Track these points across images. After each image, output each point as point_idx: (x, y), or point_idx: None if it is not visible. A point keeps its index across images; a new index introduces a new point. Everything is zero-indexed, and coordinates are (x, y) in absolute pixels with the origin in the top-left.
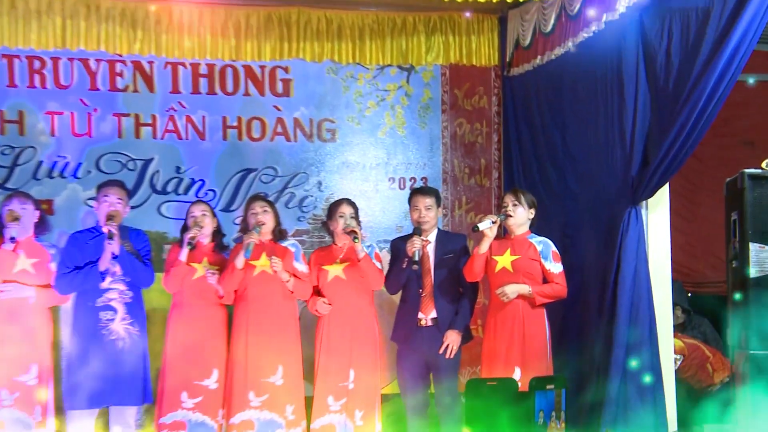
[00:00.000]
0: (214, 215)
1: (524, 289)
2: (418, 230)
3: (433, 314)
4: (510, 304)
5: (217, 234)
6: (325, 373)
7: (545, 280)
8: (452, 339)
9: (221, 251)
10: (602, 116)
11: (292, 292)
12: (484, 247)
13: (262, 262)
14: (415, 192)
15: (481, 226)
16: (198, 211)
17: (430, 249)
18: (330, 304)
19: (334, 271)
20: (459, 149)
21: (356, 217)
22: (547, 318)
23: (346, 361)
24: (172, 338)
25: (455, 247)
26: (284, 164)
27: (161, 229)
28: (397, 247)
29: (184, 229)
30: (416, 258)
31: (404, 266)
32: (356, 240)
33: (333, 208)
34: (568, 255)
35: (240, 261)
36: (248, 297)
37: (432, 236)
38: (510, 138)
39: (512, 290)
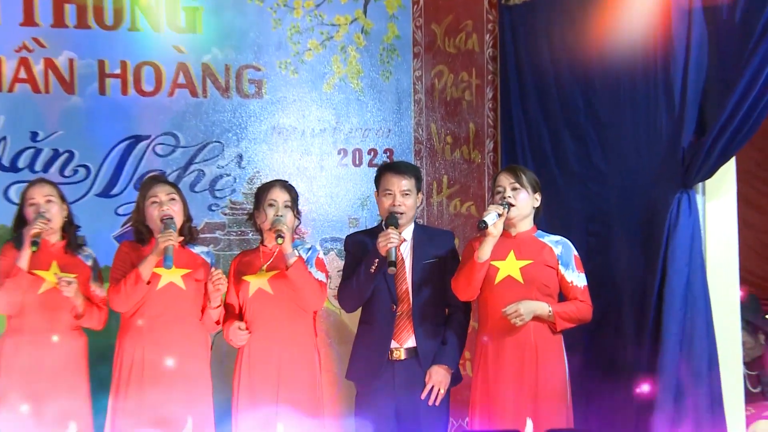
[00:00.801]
0: (63, 200)
1: (542, 309)
2: (393, 219)
3: (411, 342)
4: (517, 331)
5: (69, 227)
6: (245, 428)
7: (561, 296)
8: (439, 379)
9: (75, 251)
10: (641, 65)
11: (218, 322)
12: (486, 250)
13: (170, 273)
14: (387, 170)
15: (489, 219)
16: (40, 195)
17: (406, 251)
18: (248, 331)
19: (258, 282)
20: (438, 109)
21: (293, 206)
22: (565, 350)
23: (272, 410)
24: (6, 381)
25: (440, 250)
26: (189, 130)
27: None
28: (358, 244)
29: (20, 222)
30: (393, 257)
31: (372, 270)
32: (280, 240)
33: (261, 193)
34: (593, 260)
35: (149, 270)
36: (142, 321)
37: (407, 233)
38: (510, 94)
39: (528, 309)
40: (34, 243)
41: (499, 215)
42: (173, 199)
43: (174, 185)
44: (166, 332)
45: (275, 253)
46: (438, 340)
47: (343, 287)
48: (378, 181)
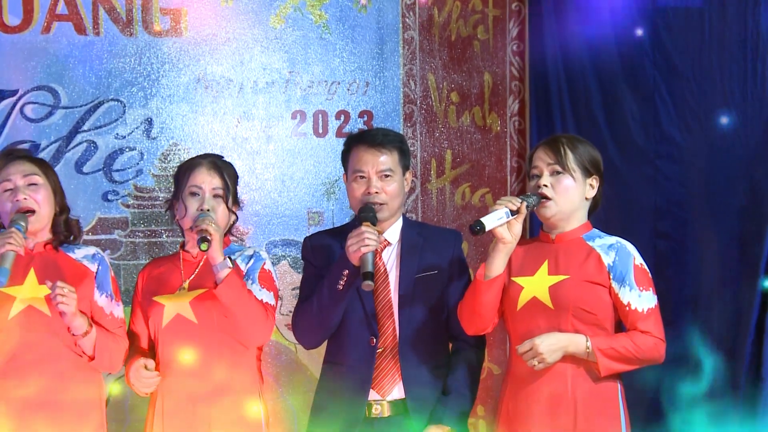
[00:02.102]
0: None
1: (575, 344)
2: (370, 214)
3: (398, 393)
4: (548, 377)
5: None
6: None
7: (619, 325)
8: None
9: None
10: None
11: (92, 358)
12: (496, 264)
13: (30, 292)
14: (357, 142)
15: (488, 222)
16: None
17: (390, 258)
18: (158, 372)
19: (175, 306)
20: (439, 53)
21: (228, 195)
22: (623, 400)
23: None
24: None
25: (441, 256)
26: (74, 83)
27: None
28: (321, 249)
29: None
30: (369, 267)
31: (341, 287)
32: (204, 246)
33: (180, 176)
34: (664, 273)
35: None
36: None
37: (392, 232)
38: (544, 30)
39: (552, 346)
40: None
41: (513, 213)
42: (34, 183)
43: (39, 162)
44: (31, 378)
45: (202, 262)
46: (437, 389)
47: (299, 312)
48: (345, 159)
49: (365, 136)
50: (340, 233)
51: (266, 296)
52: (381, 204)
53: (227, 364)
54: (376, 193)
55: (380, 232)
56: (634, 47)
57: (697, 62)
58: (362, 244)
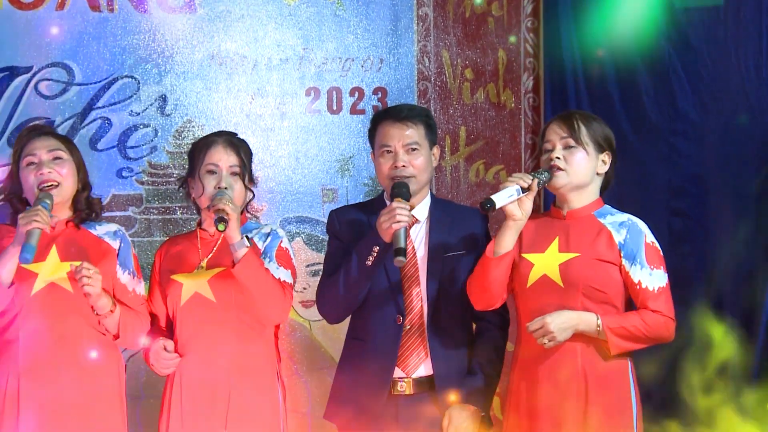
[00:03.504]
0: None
1: (586, 322)
2: (403, 189)
3: (424, 370)
4: (558, 355)
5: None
6: None
7: (629, 303)
8: (463, 425)
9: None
10: None
11: (116, 336)
12: (506, 241)
13: (52, 270)
14: (383, 118)
15: (498, 199)
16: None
17: (418, 237)
18: (178, 354)
19: (193, 284)
20: (453, 30)
21: (244, 172)
22: (633, 378)
23: None
24: None
25: (467, 236)
26: (88, 59)
27: None
28: (350, 224)
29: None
30: (402, 243)
31: (370, 263)
32: (222, 226)
33: (196, 153)
34: (678, 251)
35: (8, 268)
36: (18, 340)
37: (421, 209)
38: (559, 7)
39: (562, 324)
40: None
41: (524, 191)
42: (59, 158)
43: (63, 138)
44: (50, 356)
45: (219, 240)
46: (463, 368)
47: (325, 286)
48: (372, 135)
49: (390, 111)
50: (369, 208)
51: (283, 274)
52: (408, 177)
53: (245, 342)
54: (403, 166)
55: (412, 207)
56: (649, 23)
57: (712, 39)
58: (394, 220)
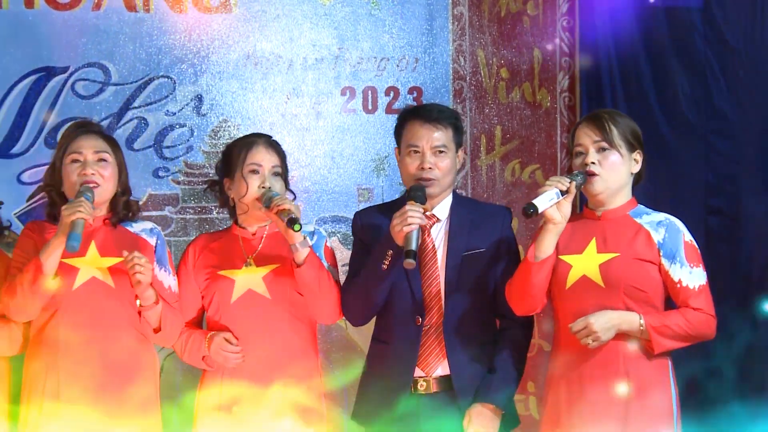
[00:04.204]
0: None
1: (629, 322)
2: (418, 192)
3: (443, 370)
4: (600, 355)
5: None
6: None
7: (668, 302)
8: (483, 423)
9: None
10: None
11: (158, 330)
12: (546, 245)
13: (93, 265)
14: (412, 117)
15: (540, 203)
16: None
17: (439, 235)
18: (241, 348)
19: (247, 280)
20: (488, 29)
21: (282, 173)
22: (673, 376)
23: None
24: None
25: (490, 234)
26: (124, 59)
27: None
28: (370, 227)
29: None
30: (413, 246)
31: (385, 267)
32: (296, 227)
33: (236, 153)
34: (716, 250)
35: (52, 259)
36: (58, 335)
37: (442, 209)
38: (594, 9)
39: (605, 324)
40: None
41: (563, 194)
42: (104, 160)
43: (110, 139)
44: (90, 351)
45: (263, 239)
46: (482, 367)
47: (347, 289)
48: (399, 133)
49: (420, 111)
50: (390, 209)
51: (334, 274)
52: (433, 179)
53: (296, 340)
54: (429, 168)
55: (426, 210)
56: (685, 22)
57: (749, 36)
58: (405, 223)
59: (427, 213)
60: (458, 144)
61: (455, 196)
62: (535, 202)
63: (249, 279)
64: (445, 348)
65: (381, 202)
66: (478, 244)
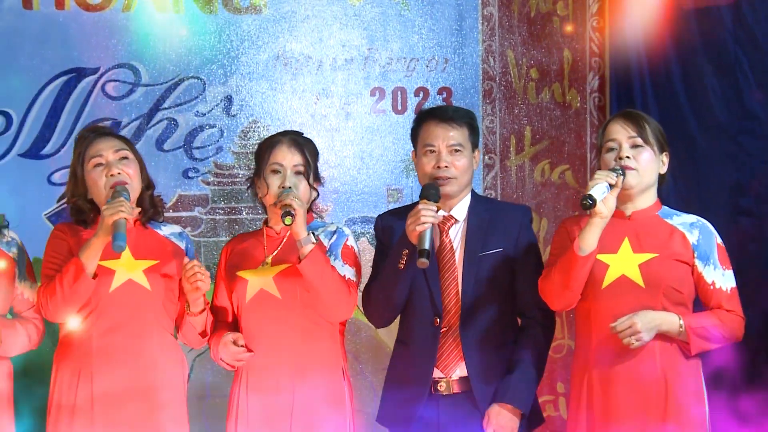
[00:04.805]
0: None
1: (670, 323)
2: (432, 191)
3: (462, 371)
4: (636, 355)
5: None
6: None
7: (696, 303)
8: (501, 424)
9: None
10: None
11: (204, 334)
12: (593, 238)
13: (128, 267)
14: (427, 118)
15: (597, 192)
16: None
17: (456, 235)
18: (248, 349)
19: (259, 280)
20: (518, 29)
21: (309, 172)
22: (703, 376)
23: None
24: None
25: (508, 234)
26: (154, 60)
27: None
28: (389, 229)
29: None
30: (426, 245)
31: (402, 267)
32: (288, 220)
33: (261, 153)
34: (745, 251)
35: (93, 259)
36: (92, 337)
37: (460, 209)
38: (624, 9)
39: (649, 323)
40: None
41: (611, 186)
42: (126, 158)
43: (124, 138)
44: (124, 353)
45: (285, 238)
46: (501, 368)
47: (368, 291)
48: (415, 134)
49: (435, 111)
50: (409, 211)
51: (348, 272)
52: (450, 178)
53: (311, 339)
54: (446, 167)
55: (440, 208)
56: (715, 21)
57: None
58: (418, 222)
59: (446, 214)
60: (474, 143)
61: (474, 196)
62: (593, 194)
63: (261, 279)
64: (463, 349)
65: (410, 203)
66: (495, 244)
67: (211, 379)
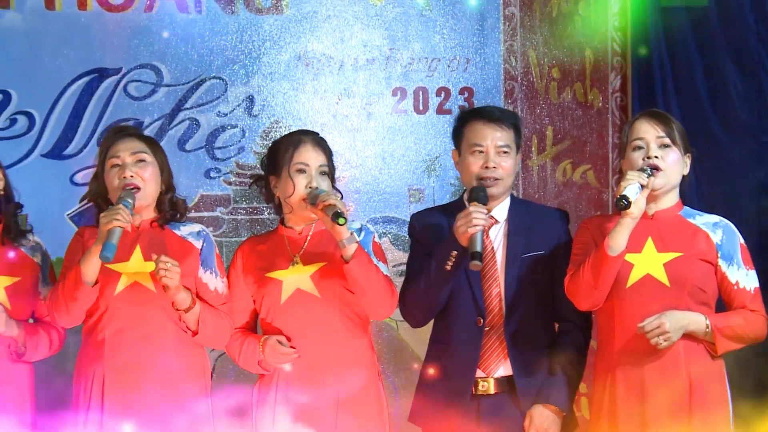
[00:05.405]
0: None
1: (696, 323)
2: (480, 193)
3: (504, 371)
4: (661, 356)
5: (7, 206)
6: None
7: (720, 304)
8: (544, 425)
9: (17, 242)
10: None
11: (195, 333)
12: (623, 238)
13: (136, 269)
14: (475, 117)
15: (631, 192)
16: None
17: (497, 238)
18: (294, 349)
19: (295, 280)
20: (540, 29)
21: (330, 171)
22: (727, 375)
23: None
24: None
25: (549, 237)
26: (176, 60)
27: None
28: (430, 228)
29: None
30: (477, 247)
31: (449, 268)
32: (341, 221)
33: (282, 151)
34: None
35: (92, 267)
36: (104, 339)
37: (500, 211)
38: (646, 9)
39: (677, 323)
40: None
41: (643, 187)
42: (142, 160)
43: (148, 139)
44: (135, 354)
45: (309, 237)
46: (543, 369)
47: (407, 290)
48: (459, 133)
49: (483, 111)
50: (448, 211)
51: (383, 269)
52: (497, 179)
53: (351, 337)
54: (494, 167)
55: (489, 211)
56: (737, 19)
57: None
58: (470, 224)
59: (490, 216)
60: (518, 146)
61: (512, 198)
62: (627, 194)
63: (297, 278)
64: (507, 349)
65: (433, 203)
66: (537, 246)
67: (233, 380)
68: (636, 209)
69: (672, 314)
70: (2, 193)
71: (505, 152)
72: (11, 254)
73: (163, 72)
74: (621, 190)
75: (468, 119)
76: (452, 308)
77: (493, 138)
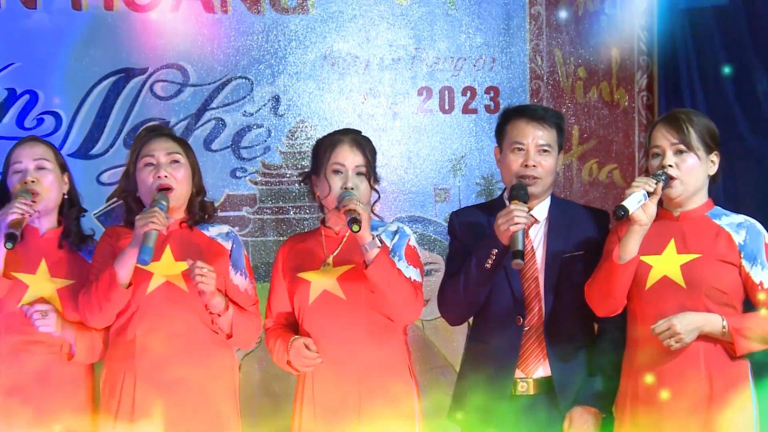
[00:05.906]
0: (65, 169)
1: (712, 324)
2: (521, 192)
3: (543, 371)
4: (680, 357)
5: (70, 210)
6: None
7: (746, 304)
8: (584, 427)
9: (75, 246)
10: None
11: (229, 335)
12: (631, 246)
13: (167, 269)
14: (518, 115)
15: (630, 205)
16: (28, 160)
17: (537, 237)
18: (319, 354)
19: (322, 282)
20: (566, 29)
21: (369, 172)
22: (752, 376)
23: None
24: None
25: (587, 237)
26: (202, 61)
27: None
28: (470, 226)
29: (1, 196)
30: (519, 245)
31: (489, 266)
32: (356, 227)
33: (321, 152)
34: None
35: (126, 268)
36: (135, 339)
37: (540, 210)
38: (672, 7)
39: (689, 325)
40: (11, 237)
41: (649, 195)
42: (176, 161)
43: (181, 141)
44: (166, 354)
45: (345, 238)
46: (582, 369)
47: (446, 288)
48: (502, 130)
49: (526, 109)
50: (489, 209)
51: (413, 273)
52: (536, 178)
53: (377, 340)
54: (534, 166)
55: (529, 210)
56: (764, 18)
57: None
58: (511, 222)
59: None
60: (560, 146)
61: (553, 197)
62: (626, 204)
63: (325, 280)
64: (546, 349)
65: (459, 202)
66: (577, 247)
67: (259, 378)
68: (644, 217)
69: (684, 316)
70: (66, 196)
71: (546, 151)
72: (68, 257)
73: (189, 72)
74: (625, 198)
75: (511, 117)
76: (491, 306)
77: (535, 136)
